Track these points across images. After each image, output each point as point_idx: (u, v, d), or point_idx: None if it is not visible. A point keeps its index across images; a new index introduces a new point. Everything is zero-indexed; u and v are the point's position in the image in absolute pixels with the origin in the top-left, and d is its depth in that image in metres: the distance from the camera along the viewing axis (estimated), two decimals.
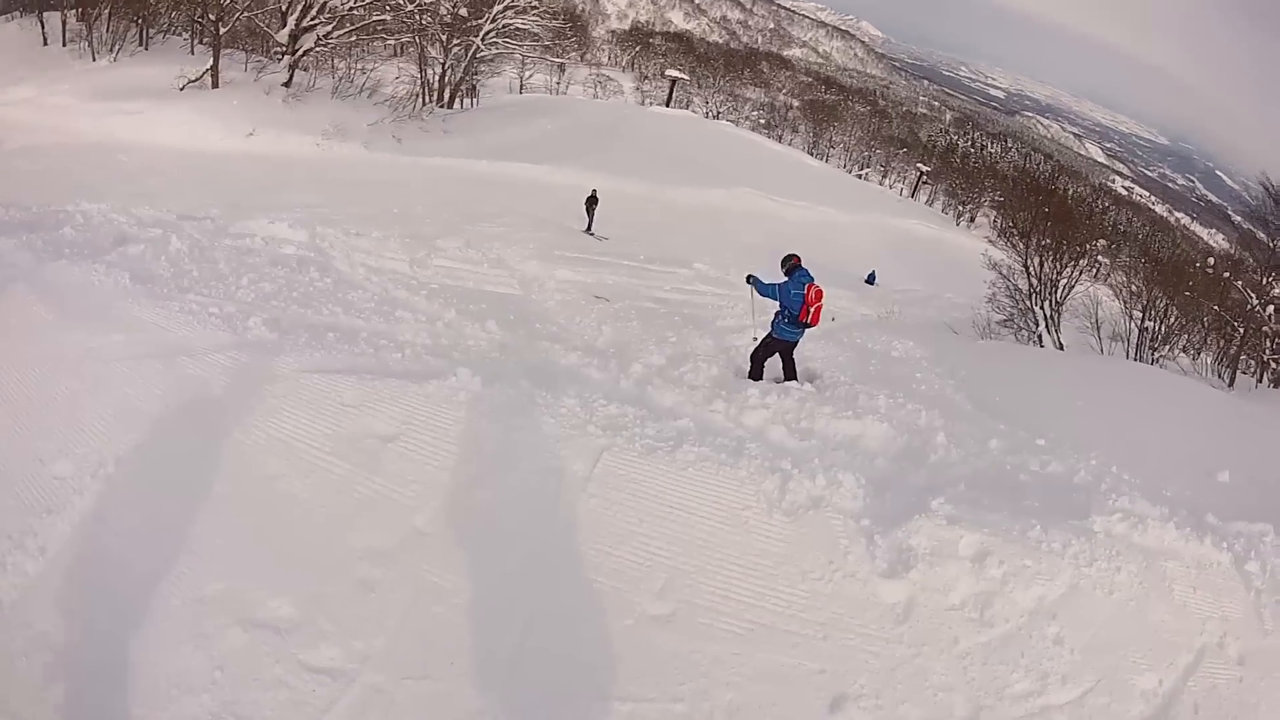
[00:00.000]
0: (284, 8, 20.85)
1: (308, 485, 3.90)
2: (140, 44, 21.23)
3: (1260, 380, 18.07)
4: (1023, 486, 5.62)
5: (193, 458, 3.93)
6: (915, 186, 67.77)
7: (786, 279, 7.48)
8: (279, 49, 21.18)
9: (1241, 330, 18.51)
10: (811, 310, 7.30)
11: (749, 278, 7.91)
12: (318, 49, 21.87)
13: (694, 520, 4.12)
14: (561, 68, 56.37)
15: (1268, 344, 17.97)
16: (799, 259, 7.61)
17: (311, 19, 20.79)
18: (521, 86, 48.05)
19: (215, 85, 19.54)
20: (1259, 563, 4.74)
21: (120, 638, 3.06)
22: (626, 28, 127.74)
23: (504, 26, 27.92)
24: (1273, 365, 18.06)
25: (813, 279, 7.41)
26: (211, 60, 19.62)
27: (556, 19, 32.28)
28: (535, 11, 28.61)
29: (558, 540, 3.89)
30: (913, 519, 4.39)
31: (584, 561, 3.79)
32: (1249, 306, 18.11)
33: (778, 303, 7.43)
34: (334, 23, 21.26)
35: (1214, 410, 10.31)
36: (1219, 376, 18.25)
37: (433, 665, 3.17)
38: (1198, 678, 3.90)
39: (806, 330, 7.60)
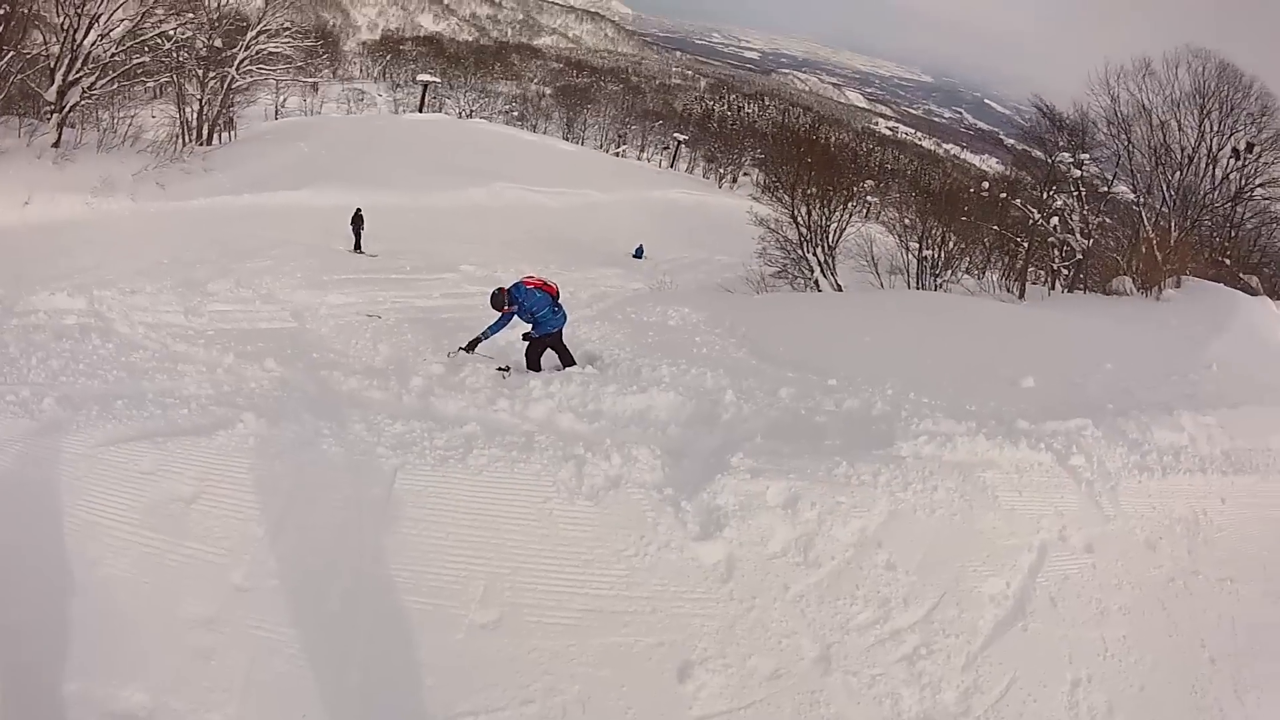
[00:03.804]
0: (52, 65, 18.81)
1: (126, 563, 3.73)
2: None
3: (1052, 288, 18.53)
4: (821, 428, 5.68)
5: (23, 557, 3.72)
6: (674, 156, 65.91)
7: (514, 308, 7.41)
8: (48, 108, 19.25)
9: (1026, 245, 19.06)
10: (550, 288, 7.47)
11: (471, 344, 7.63)
12: (84, 102, 19.91)
13: (499, 522, 4.10)
14: (315, 87, 53.44)
15: (1055, 254, 18.53)
16: (503, 288, 7.55)
17: (77, 71, 18.86)
18: (277, 112, 44.89)
19: None
20: (1083, 455, 4.85)
21: None
22: (377, 38, 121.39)
23: (257, 53, 26.30)
24: (1064, 272, 18.54)
25: (519, 282, 7.51)
26: None
27: (308, 38, 30.97)
28: (287, 33, 27.20)
29: (370, 569, 3.83)
30: (715, 479, 4.43)
31: (399, 585, 3.74)
32: (1031, 222, 18.54)
33: (531, 320, 7.45)
34: (97, 72, 19.37)
35: (1007, 322, 10.59)
36: (1008, 291, 18.84)
37: None
38: (1046, 572, 4.04)
39: (565, 314, 7.65)
